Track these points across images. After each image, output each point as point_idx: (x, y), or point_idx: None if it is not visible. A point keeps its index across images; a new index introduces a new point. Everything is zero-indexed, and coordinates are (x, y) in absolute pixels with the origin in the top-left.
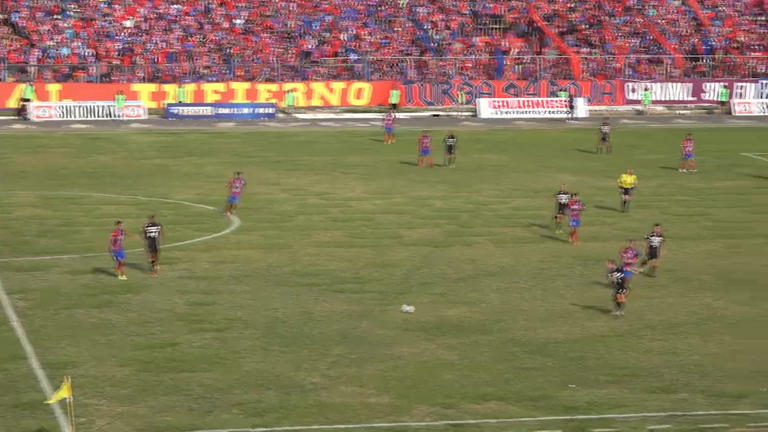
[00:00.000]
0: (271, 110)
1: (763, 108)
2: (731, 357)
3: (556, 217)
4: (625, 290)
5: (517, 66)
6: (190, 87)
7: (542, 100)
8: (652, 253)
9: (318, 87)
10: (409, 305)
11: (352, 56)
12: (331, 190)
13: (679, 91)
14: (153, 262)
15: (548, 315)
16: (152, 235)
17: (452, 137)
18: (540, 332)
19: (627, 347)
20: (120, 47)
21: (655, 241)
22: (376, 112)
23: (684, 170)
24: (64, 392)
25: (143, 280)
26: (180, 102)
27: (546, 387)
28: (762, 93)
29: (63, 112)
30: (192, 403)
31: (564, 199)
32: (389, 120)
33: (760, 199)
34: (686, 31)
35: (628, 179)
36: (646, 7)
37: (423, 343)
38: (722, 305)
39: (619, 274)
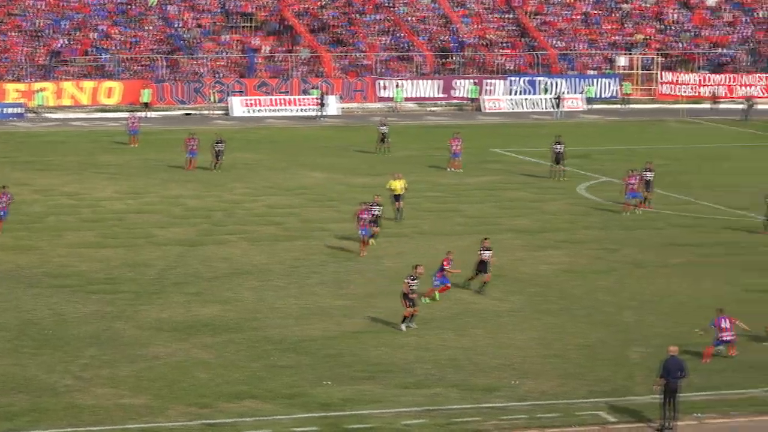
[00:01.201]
0: (20, 110)
1: (512, 104)
2: (483, 351)
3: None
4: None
5: (269, 64)
6: None
7: (294, 98)
8: (482, 268)
9: (68, 86)
10: None
11: (103, 55)
12: (82, 191)
13: (429, 88)
14: None
15: (303, 312)
16: None
17: (221, 141)
18: (294, 330)
19: (381, 343)
20: None
21: (486, 254)
22: (127, 111)
23: (451, 169)
24: None
25: None
26: None
27: (301, 384)
28: (511, 90)
29: None
30: None
31: (377, 210)
32: (134, 122)
33: (509, 194)
34: (436, 29)
35: (398, 184)
36: (397, 4)
37: (177, 343)
38: (475, 300)
39: (415, 282)
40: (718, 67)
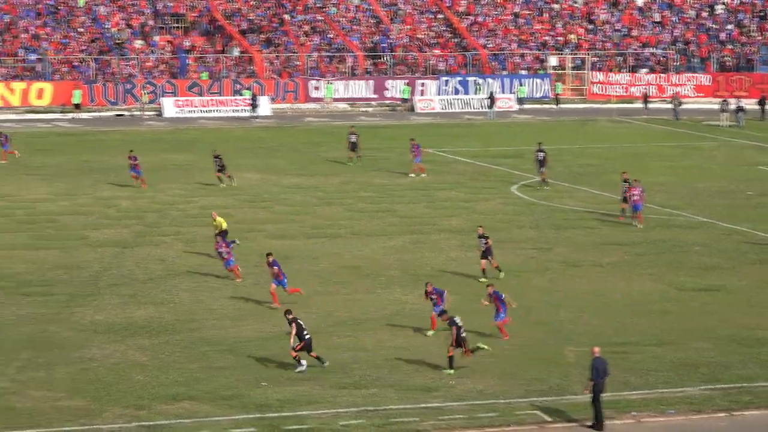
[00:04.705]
0: None
1: (445, 104)
2: (420, 351)
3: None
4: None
5: (200, 65)
6: None
7: (226, 99)
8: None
9: None
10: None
11: (32, 56)
12: (15, 192)
13: (361, 88)
14: None
15: (238, 313)
16: None
17: (218, 156)
18: (230, 331)
19: (317, 344)
20: None
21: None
22: (58, 112)
23: (414, 175)
24: None
25: None
26: None
27: (238, 385)
28: (443, 90)
29: None
30: None
31: (484, 242)
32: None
33: (442, 194)
34: (367, 29)
35: (223, 221)
36: (327, 5)
37: (113, 345)
38: (411, 300)
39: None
40: (648, 67)
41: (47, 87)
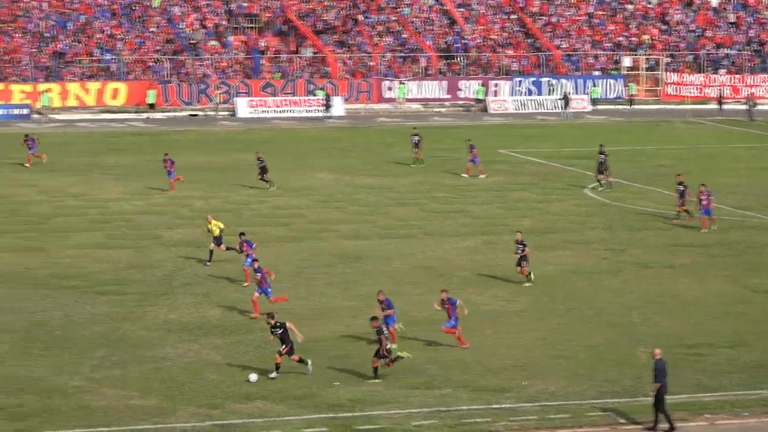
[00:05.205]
0: (25, 111)
1: (518, 105)
2: (493, 352)
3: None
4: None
5: (274, 65)
6: None
7: (299, 99)
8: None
9: (73, 87)
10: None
11: (107, 56)
12: (89, 191)
13: (434, 89)
14: None
15: (311, 313)
16: None
17: (261, 160)
18: (304, 330)
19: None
20: None
21: None
22: (132, 112)
23: (466, 175)
24: None
25: None
26: None
27: (310, 385)
28: (516, 90)
29: None
30: None
31: (520, 249)
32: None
33: (515, 195)
34: (441, 30)
35: (214, 225)
36: (401, 5)
37: (186, 344)
38: (483, 301)
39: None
40: (722, 68)
41: (122, 87)
